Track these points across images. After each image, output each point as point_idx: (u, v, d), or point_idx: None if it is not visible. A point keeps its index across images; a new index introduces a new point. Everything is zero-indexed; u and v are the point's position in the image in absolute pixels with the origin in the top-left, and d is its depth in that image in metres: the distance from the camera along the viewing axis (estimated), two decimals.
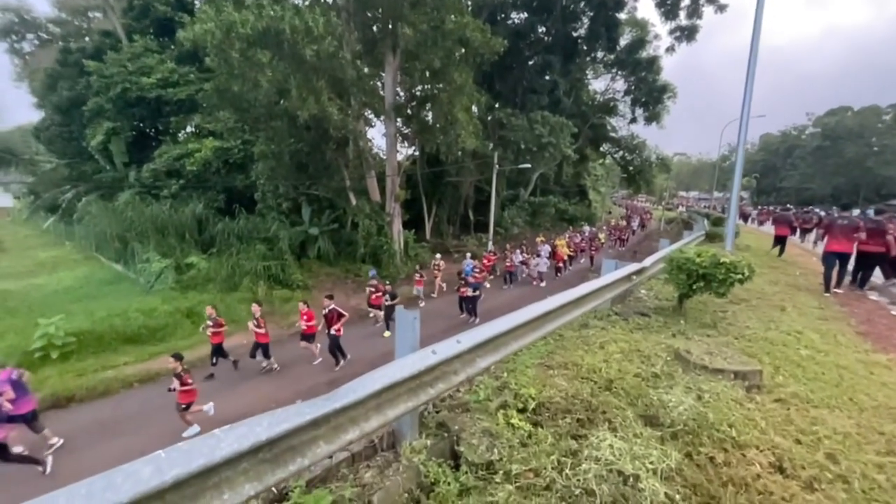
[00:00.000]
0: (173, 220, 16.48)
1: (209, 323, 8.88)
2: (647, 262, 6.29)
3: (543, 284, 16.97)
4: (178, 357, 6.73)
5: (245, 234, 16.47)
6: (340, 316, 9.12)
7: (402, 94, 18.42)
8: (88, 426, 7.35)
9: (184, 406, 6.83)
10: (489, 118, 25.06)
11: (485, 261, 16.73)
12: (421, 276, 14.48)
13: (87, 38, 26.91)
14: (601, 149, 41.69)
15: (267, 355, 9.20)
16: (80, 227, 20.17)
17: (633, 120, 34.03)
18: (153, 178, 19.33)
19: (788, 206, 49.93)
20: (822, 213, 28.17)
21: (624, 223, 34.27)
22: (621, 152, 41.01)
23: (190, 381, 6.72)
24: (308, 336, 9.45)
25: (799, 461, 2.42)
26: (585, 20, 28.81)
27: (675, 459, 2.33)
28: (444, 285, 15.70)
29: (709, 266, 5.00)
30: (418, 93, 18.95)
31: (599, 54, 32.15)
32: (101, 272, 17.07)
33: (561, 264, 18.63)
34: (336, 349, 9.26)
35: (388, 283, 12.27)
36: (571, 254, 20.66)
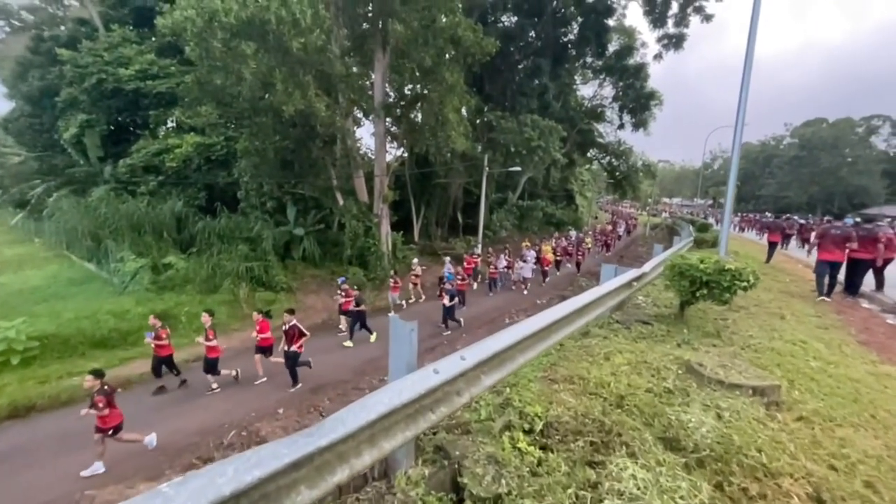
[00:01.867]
0: (150, 217, 15.75)
1: (152, 334, 8.01)
2: (647, 267, 6.10)
3: (527, 289, 16.57)
4: (97, 374, 5.72)
5: (227, 234, 15.83)
6: (302, 334, 8.26)
7: (391, 92, 18.06)
8: (47, 438, 6.78)
9: (105, 432, 5.71)
10: (478, 120, 24.90)
11: (466, 264, 16.14)
12: (396, 281, 13.67)
13: (62, 27, 25.76)
14: (588, 154, 42.03)
15: (214, 371, 8.20)
16: (50, 224, 19.19)
17: (622, 126, 34.37)
18: (130, 173, 18.51)
19: (767, 213, 51.25)
20: (802, 221, 28.88)
21: (610, 228, 34.50)
22: (608, 158, 41.38)
23: (107, 403, 5.65)
24: (263, 349, 8.60)
25: (838, 492, 2.19)
26: (575, 25, 28.94)
27: (707, 492, 2.07)
28: (421, 294, 15.07)
29: (713, 273, 4.82)
30: (408, 92, 18.64)
31: (588, 59, 32.37)
32: (71, 271, 16.21)
33: (547, 268, 18.35)
34: (294, 368, 8.41)
35: (355, 287, 11.47)
36: (558, 258, 20.45)
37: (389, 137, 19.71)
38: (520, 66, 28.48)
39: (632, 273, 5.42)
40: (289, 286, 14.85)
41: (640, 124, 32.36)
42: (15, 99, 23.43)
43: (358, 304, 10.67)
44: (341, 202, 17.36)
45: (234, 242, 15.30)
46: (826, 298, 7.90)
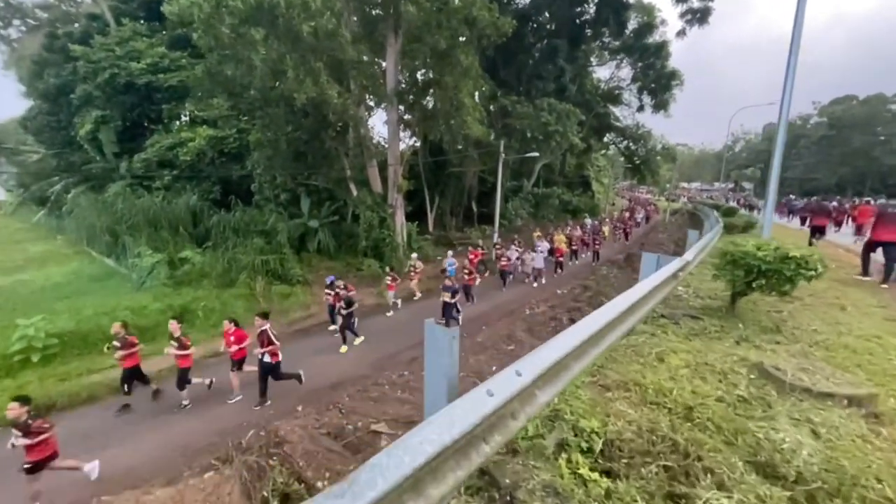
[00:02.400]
0: (166, 212, 15.72)
1: (116, 344, 7.21)
2: (690, 255, 5.59)
3: (542, 282, 15.62)
4: (23, 401, 5.14)
5: (242, 227, 15.72)
6: (270, 342, 7.20)
7: (403, 78, 17.52)
8: (68, 438, 6.68)
9: (32, 465, 5.09)
10: (492, 106, 24.18)
11: (471, 256, 15.00)
12: (393, 278, 12.62)
13: (75, 24, 25.84)
14: (605, 139, 40.81)
15: (183, 384, 7.40)
16: (70, 221, 19.40)
17: (641, 108, 33.09)
18: (145, 168, 18.51)
19: (791, 196, 49.16)
20: (835, 204, 27.43)
21: (627, 215, 33.32)
22: (626, 142, 40.17)
23: (45, 428, 5.12)
24: (238, 362, 7.61)
25: None
26: (592, 4, 27.76)
27: None
28: (416, 291, 13.96)
29: (773, 261, 4.30)
30: (421, 77, 18.06)
31: (606, 40, 31.13)
32: (92, 267, 16.35)
33: (562, 259, 17.22)
34: (265, 380, 7.45)
35: (342, 286, 10.42)
36: (574, 248, 19.60)
37: (402, 125, 19.23)
38: (535, 49, 27.51)
39: (676, 263, 4.93)
40: (304, 279, 14.67)
41: (660, 106, 31.10)
42: (32, 97, 23.65)
43: (348, 305, 9.76)
44: (355, 193, 17.05)
45: (249, 236, 15.17)
46: (866, 278, 7.48)
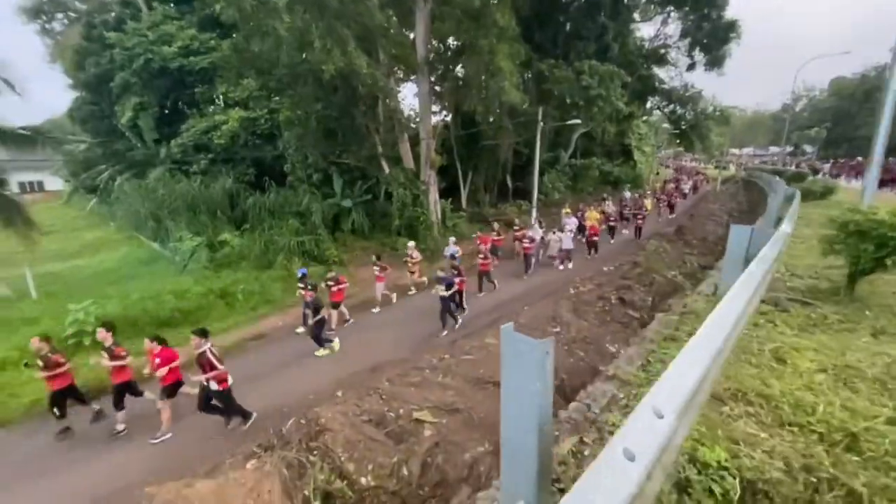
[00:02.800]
0: (204, 196, 15.90)
1: (38, 363, 6.07)
2: (787, 227, 4.67)
3: (570, 266, 14.19)
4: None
5: (277, 209, 15.70)
6: (213, 366, 5.94)
7: (434, 45, 16.54)
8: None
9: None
10: (528, 73, 22.65)
11: (479, 243, 13.27)
12: (383, 267, 10.89)
13: (111, 13, 26.34)
14: (648, 103, 37.90)
15: (120, 404, 6.41)
16: (118, 207, 20.18)
17: (692, 66, 30.17)
18: (182, 153, 18.81)
19: (859, 158, 44.10)
20: None
21: (672, 186, 30.62)
22: (672, 105, 37.18)
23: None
24: (168, 388, 6.26)
25: None
26: None
27: None
28: (423, 282, 12.37)
29: None
30: (453, 43, 16.99)
31: None
32: (140, 252, 16.96)
33: (596, 238, 15.58)
34: (215, 408, 6.34)
35: (310, 286, 8.82)
36: (612, 224, 18.14)
37: (434, 97, 18.35)
38: (573, 6, 25.37)
39: (779, 237, 4.05)
40: (340, 259, 14.53)
41: (715, 62, 28.19)
42: (76, 88, 24.49)
43: (316, 310, 8.28)
44: (387, 170, 16.56)
45: (284, 217, 15.12)
46: None
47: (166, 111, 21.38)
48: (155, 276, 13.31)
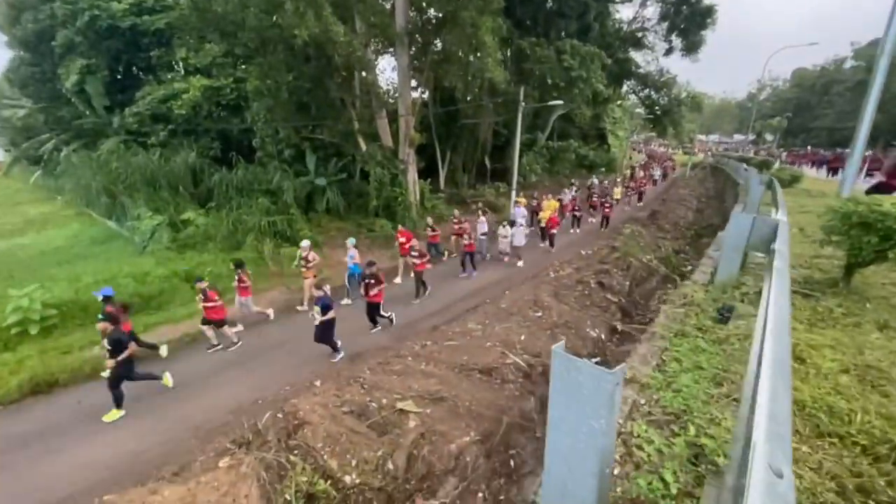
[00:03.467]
0: (164, 170, 14.71)
1: None
2: (782, 216, 4.61)
3: (520, 264, 12.82)
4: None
5: (245, 187, 14.74)
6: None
7: (414, 16, 15.68)
8: (71, 418, 6.20)
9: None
10: (508, 50, 22.06)
11: (401, 238, 11.20)
12: (243, 279, 8.54)
13: None
14: (624, 87, 38.06)
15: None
16: (66, 180, 18.50)
17: (669, 51, 30.34)
18: (138, 123, 17.28)
19: (818, 148, 46.31)
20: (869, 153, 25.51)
21: (641, 174, 30.02)
22: (647, 90, 37.45)
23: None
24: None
25: None
26: None
27: None
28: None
29: None
30: (433, 16, 16.18)
31: None
32: (93, 230, 15.67)
33: (554, 230, 14.08)
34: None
35: (206, 283, 7.71)
36: (577, 214, 17.26)
37: (413, 72, 17.55)
38: None
39: (782, 227, 3.95)
40: (314, 241, 13.91)
41: (691, 48, 28.46)
42: (13, 46, 21.94)
43: (116, 350, 5.83)
44: (364, 148, 15.83)
45: (253, 195, 14.23)
46: None
47: (118, 76, 19.52)
48: (110, 257, 12.32)
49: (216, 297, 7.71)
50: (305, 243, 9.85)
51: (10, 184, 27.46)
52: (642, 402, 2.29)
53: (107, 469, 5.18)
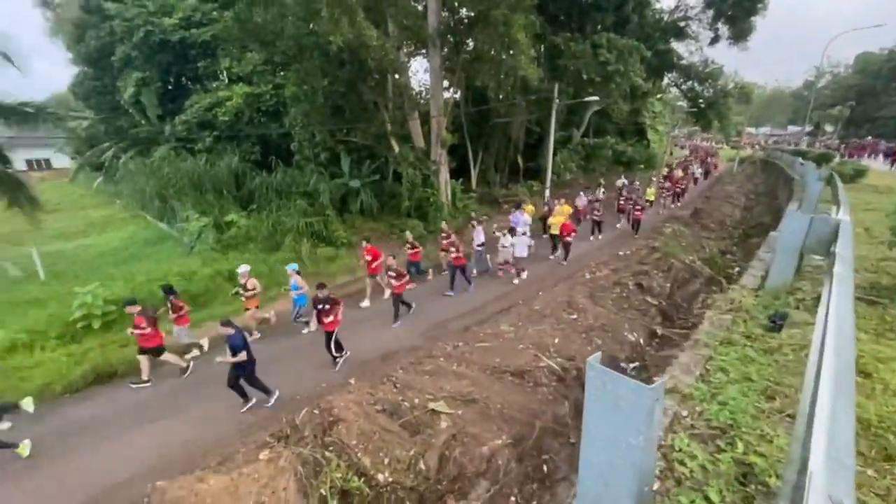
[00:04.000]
0: (209, 175, 15.53)
1: None
2: (844, 215, 4.25)
3: (525, 275, 11.44)
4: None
5: (284, 189, 15.32)
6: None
7: (446, 16, 15.71)
8: (127, 408, 6.68)
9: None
10: (542, 46, 21.66)
11: (367, 255, 10.07)
12: (179, 310, 7.92)
13: None
14: (665, 80, 36.42)
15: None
16: (124, 186, 19.93)
17: (715, 40, 28.74)
18: (187, 130, 18.36)
19: (879, 139, 42.34)
20: None
21: (680, 173, 26.16)
22: (690, 82, 35.65)
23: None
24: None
25: None
26: None
27: None
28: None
29: None
30: (465, 15, 16.15)
31: None
32: (146, 232, 16.80)
33: (570, 238, 12.57)
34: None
35: (138, 307, 7.15)
36: (596, 218, 15.45)
37: (445, 72, 17.63)
38: None
39: (846, 228, 3.64)
40: (348, 241, 14.25)
41: (740, 35, 26.82)
42: (78, 62, 23.89)
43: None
44: (396, 149, 16.05)
45: (291, 197, 14.77)
46: None
47: (169, 87, 20.83)
48: (161, 257, 13.15)
49: (143, 324, 6.84)
50: (243, 268, 8.69)
51: (75, 189, 29.92)
52: (684, 414, 2.17)
53: (158, 456, 5.53)
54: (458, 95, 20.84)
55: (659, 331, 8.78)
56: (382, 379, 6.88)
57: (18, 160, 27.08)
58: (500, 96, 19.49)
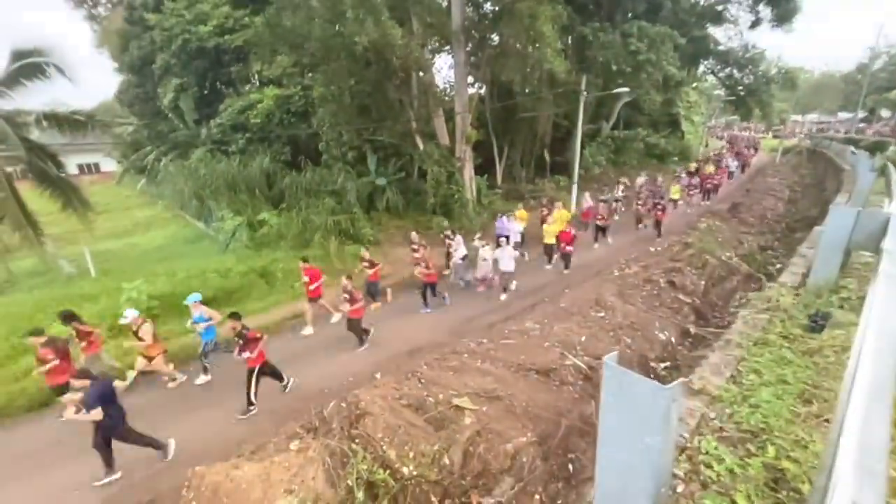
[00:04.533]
0: (243, 175, 16.16)
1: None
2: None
3: (513, 287, 10.37)
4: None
5: (313, 188, 15.75)
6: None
7: (469, 12, 15.63)
8: (171, 397, 7.09)
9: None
10: (569, 38, 21.15)
11: (305, 277, 8.96)
12: (83, 335, 6.90)
13: None
14: (700, 68, 34.72)
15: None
16: (165, 187, 21.03)
17: (757, 23, 27.15)
18: (221, 133, 19.16)
19: None
20: None
21: (711, 168, 23.43)
22: (728, 69, 33.87)
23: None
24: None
25: None
26: None
27: None
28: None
29: None
30: (490, 10, 16.01)
31: None
32: (186, 230, 17.69)
33: (570, 248, 11.47)
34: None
35: (44, 337, 6.26)
36: (602, 223, 13.87)
37: (469, 68, 17.55)
38: None
39: (893, 221, 3.40)
40: (375, 238, 14.49)
41: (783, 17, 25.24)
42: (122, 71, 25.34)
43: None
44: (421, 147, 16.15)
45: (320, 196, 15.16)
46: None
47: (205, 91, 21.77)
48: (199, 255, 13.82)
49: (50, 356, 5.83)
50: (130, 313, 7.00)
51: (122, 191, 31.80)
52: (712, 416, 2.09)
53: (201, 442, 5.85)
54: (483, 91, 20.70)
55: (692, 330, 8.47)
56: (407, 374, 7.01)
57: (71, 165, 29.00)
58: (527, 90, 19.22)
